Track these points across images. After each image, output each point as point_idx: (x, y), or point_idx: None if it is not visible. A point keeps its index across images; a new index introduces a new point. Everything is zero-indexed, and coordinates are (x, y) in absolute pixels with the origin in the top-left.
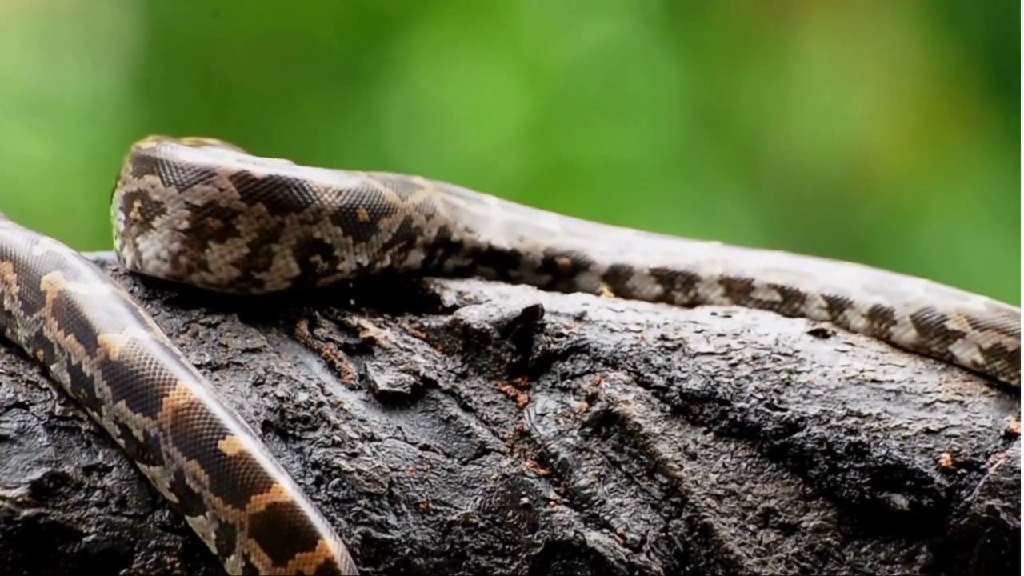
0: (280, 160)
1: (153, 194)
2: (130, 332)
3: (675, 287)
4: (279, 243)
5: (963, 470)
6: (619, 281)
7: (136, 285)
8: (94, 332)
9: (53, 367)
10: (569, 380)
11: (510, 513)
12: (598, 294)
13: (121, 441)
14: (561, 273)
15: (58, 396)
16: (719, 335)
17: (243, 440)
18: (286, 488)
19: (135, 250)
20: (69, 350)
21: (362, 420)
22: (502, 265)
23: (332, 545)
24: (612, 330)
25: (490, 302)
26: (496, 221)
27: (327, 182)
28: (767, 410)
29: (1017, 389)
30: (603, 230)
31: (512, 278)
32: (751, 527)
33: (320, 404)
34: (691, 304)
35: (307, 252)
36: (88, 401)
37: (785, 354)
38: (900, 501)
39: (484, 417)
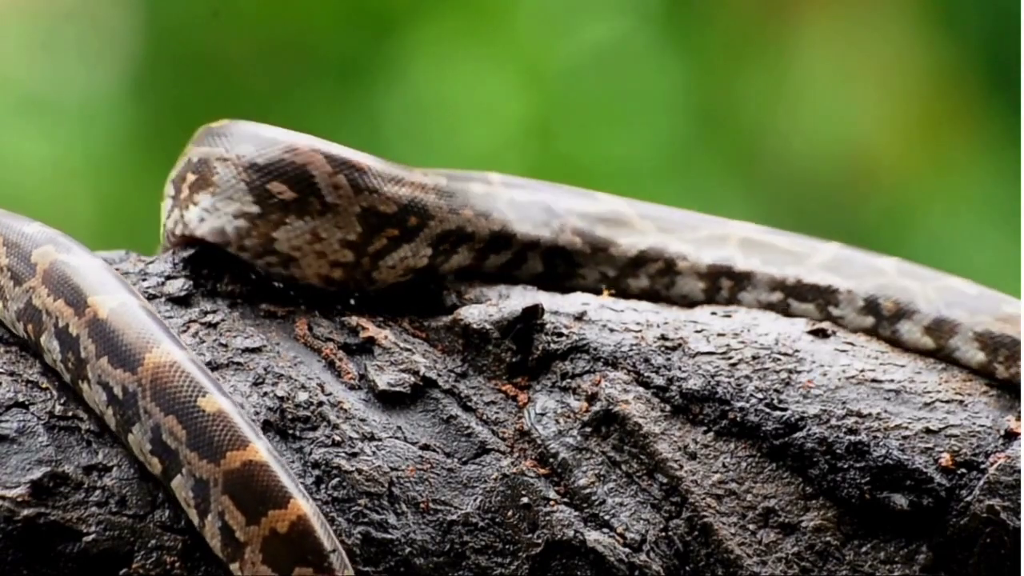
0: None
1: None
2: (120, 297)
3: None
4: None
5: (963, 470)
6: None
7: (139, 282)
8: (84, 295)
9: (43, 338)
10: (569, 380)
11: (510, 513)
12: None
13: (108, 412)
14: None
15: (58, 396)
16: (719, 335)
17: (222, 400)
18: (262, 450)
19: None
20: (57, 314)
21: (362, 420)
22: None
23: (304, 504)
24: (612, 330)
25: (490, 302)
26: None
27: None
28: (767, 410)
29: (1017, 388)
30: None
31: None
32: (751, 527)
33: (320, 404)
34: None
35: None
36: (75, 369)
37: (785, 354)
38: (900, 501)
39: (484, 417)
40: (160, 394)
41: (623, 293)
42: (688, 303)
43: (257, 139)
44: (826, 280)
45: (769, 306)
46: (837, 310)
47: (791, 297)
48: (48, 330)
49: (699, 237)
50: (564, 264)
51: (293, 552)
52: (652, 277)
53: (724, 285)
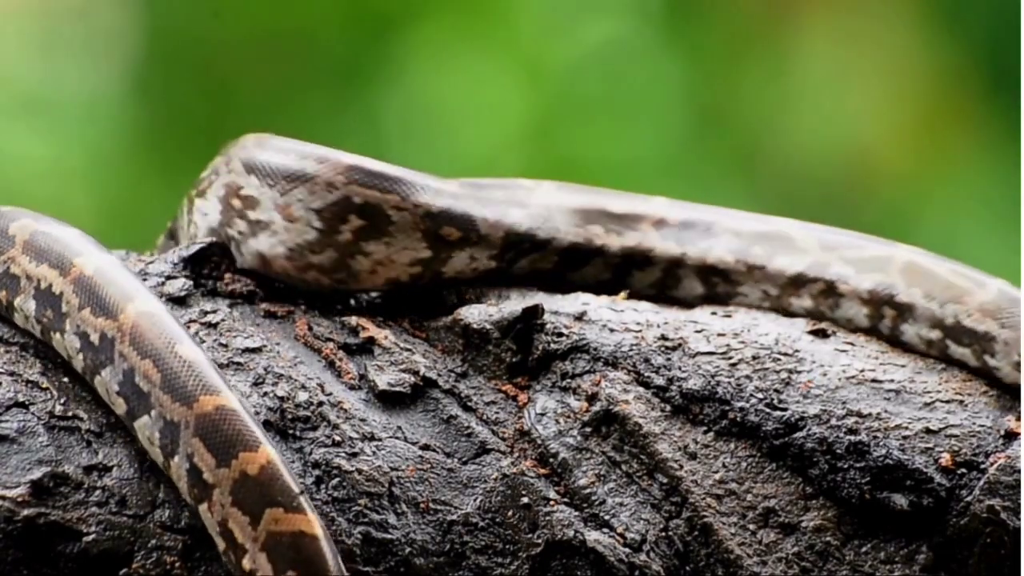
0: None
1: None
2: (107, 258)
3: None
4: None
5: (963, 470)
6: None
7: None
8: (69, 256)
9: (17, 300)
10: (569, 380)
11: (510, 513)
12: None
13: (79, 357)
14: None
15: (58, 396)
16: (719, 335)
17: (196, 351)
18: (234, 399)
19: None
20: (39, 277)
21: (362, 420)
22: None
23: (272, 451)
24: (612, 330)
25: (490, 302)
26: None
27: None
28: (767, 410)
29: (1017, 388)
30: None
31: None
32: (751, 527)
33: (320, 404)
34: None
35: None
36: (50, 323)
37: (785, 354)
38: (900, 501)
39: (484, 417)
40: (139, 340)
41: (787, 313)
42: (853, 328)
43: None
44: (983, 327)
45: (928, 344)
46: (993, 360)
47: (949, 338)
48: (25, 292)
49: (862, 257)
50: (723, 283)
51: (264, 493)
52: (815, 298)
53: (887, 314)
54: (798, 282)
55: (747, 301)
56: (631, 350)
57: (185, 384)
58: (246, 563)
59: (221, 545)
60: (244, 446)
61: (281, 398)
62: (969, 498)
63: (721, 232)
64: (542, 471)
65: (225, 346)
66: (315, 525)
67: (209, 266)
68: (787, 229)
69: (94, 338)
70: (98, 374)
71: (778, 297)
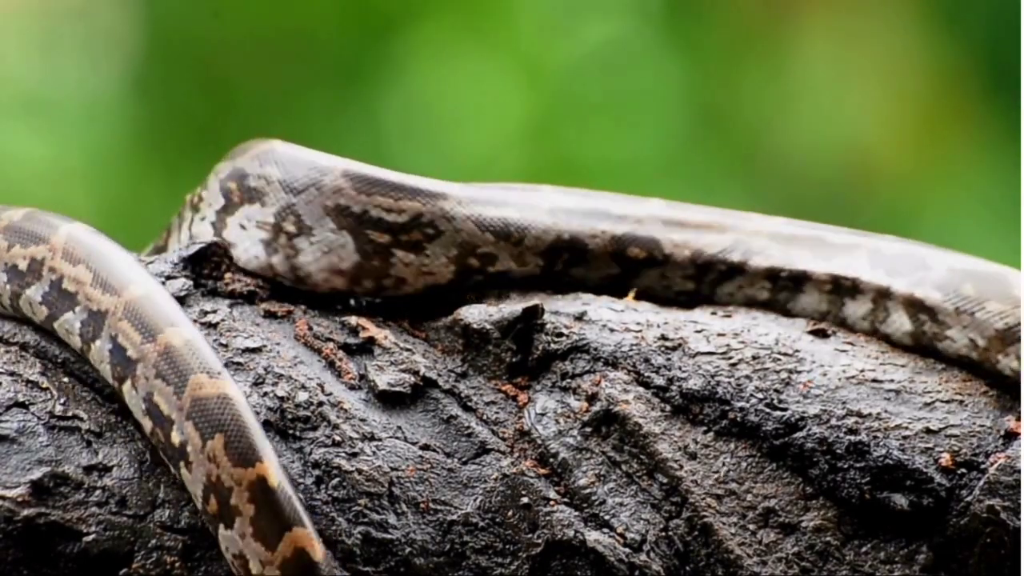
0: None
1: None
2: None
3: None
4: None
5: (963, 470)
6: None
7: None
8: (49, 230)
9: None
10: (569, 380)
11: (510, 513)
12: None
13: (7, 288)
14: None
15: (58, 396)
16: (719, 335)
17: (129, 256)
18: (159, 287)
19: None
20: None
21: (362, 420)
22: None
23: (196, 331)
24: (612, 330)
25: (490, 302)
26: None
27: None
28: (767, 410)
29: (1017, 387)
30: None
31: None
32: (751, 527)
33: (320, 404)
34: None
35: None
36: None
37: (785, 354)
38: (900, 501)
39: (484, 417)
40: (70, 253)
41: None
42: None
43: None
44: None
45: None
46: None
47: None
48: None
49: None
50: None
51: (188, 363)
52: None
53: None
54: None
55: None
56: (631, 350)
57: (112, 280)
58: (174, 436)
59: (148, 425)
60: (170, 323)
61: (281, 398)
62: (969, 498)
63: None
64: (542, 471)
65: (225, 346)
66: (238, 391)
67: (209, 266)
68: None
69: (23, 265)
70: (27, 288)
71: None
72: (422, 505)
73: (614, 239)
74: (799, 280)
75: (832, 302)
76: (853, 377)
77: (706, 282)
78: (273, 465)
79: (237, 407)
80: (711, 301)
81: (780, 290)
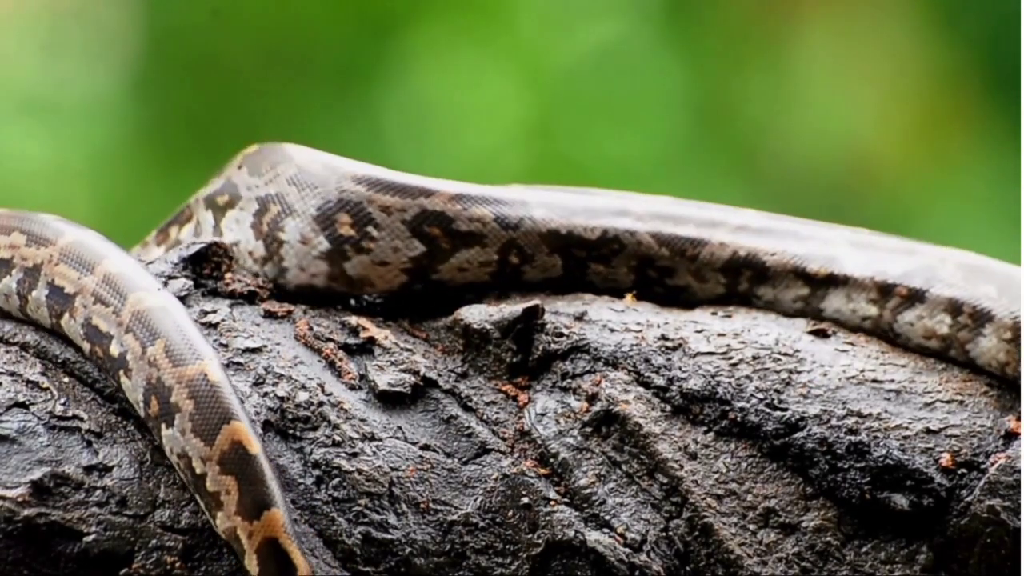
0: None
1: None
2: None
3: None
4: None
5: (963, 470)
6: None
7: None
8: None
9: None
10: (569, 380)
11: (510, 513)
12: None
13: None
14: None
15: (58, 396)
16: (719, 335)
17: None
18: (96, 236)
19: None
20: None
21: (362, 420)
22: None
23: (135, 260)
24: (612, 330)
25: (490, 302)
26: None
27: None
28: (767, 410)
29: (1017, 387)
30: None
31: None
32: (751, 527)
33: (320, 404)
34: None
35: None
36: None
37: (785, 354)
38: (900, 501)
39: (484, 417)
40: (3, 227)
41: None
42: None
43: None
44: None
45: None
46: None
47: None
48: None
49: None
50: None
51: (125, 284)
52: None
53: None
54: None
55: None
56: (631, 350)
57: (45, 234)
58: (113, 349)
59: (87, 347)
60: (106, 256)
61: (281, 398)
62: (969, 498)
63: None
64: (542, 471)
65: (225, 346)
66: (178, 303)
67: (209, 266)
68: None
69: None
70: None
71: None
72: (422, 505)
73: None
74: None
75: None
76: (853, 377)
77: (887, 309)
78: (214, 363)
79: (177, 315)
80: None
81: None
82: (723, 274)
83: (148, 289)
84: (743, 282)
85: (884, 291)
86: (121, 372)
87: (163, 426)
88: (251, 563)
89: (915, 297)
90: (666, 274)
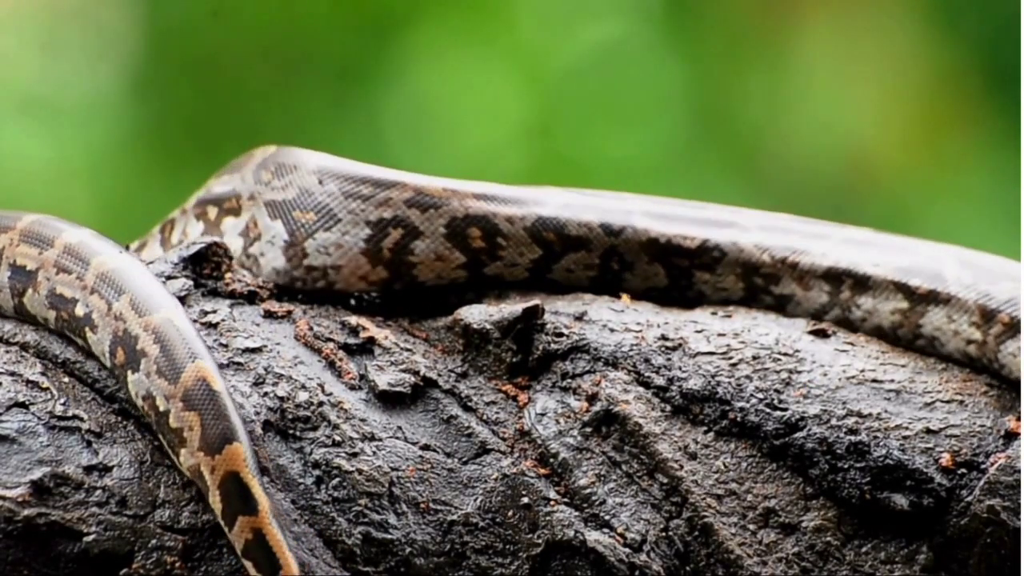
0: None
1: None
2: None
3: None
4: None
5: (963, 470)
6: None
7: None
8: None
9: None
10: (569, 380)
11: (510, 513)
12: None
13: None
14: None
15: (58, 396)
16: (719, 335)
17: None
18: (54, 220)
19: None
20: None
21: (362, 420)
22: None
23: (91, 231)
24: (612, 330)
25: (490, 302)
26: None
27: None
28: (767, 410)
29: (1018, 387)
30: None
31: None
32: (751, 527)
33: (320, 404)
34: None
35: None
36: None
37: (785, 354)
38: (900, 501)
39: (484, 417)
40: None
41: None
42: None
43: None
44: None
45: None
46: None
47: None
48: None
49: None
50: None
51: (87, 252)
52: None
53: None
54: None
55: None
56: (631, 350)
57: (4, 222)
58: (78, 310)
59: (52, 315)
60: (64, 231)
61: (281, 398)
62: (969, 498)
63: None
64: (542, 471)
65: (225, 346)
66: (142, 264)
67: (209, 266)
68: None
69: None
70: None
71: None
72: (422, 505)
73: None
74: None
75: None
76: (853, 377)
77: (991, 336)
78: (179, 311)
79: (141, 272)
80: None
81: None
82: (826, 281)
83: (110, 253)
84: (845, 290)
85: (987, 316)
86: (87, 329)
87: (129, 372)
88: (214, 500)
89: (1017, 327)
90: (772, 281)
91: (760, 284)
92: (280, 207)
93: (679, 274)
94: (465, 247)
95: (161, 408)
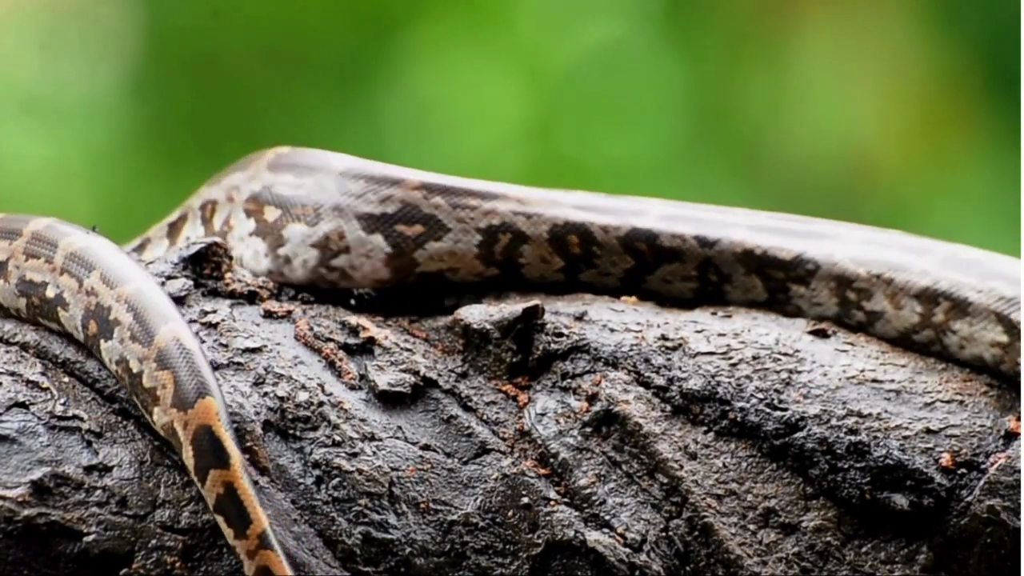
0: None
1: None
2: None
3: None
4: None
5: (963, 470)
6: None
7: None
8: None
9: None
10: (569, 380)
11: (510, 513)
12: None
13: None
14: None
15: (58, 396)
16: (719, 335)
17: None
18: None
19: None
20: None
21: (362, 420)
22: None
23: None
24: (612, 330)
25: (490, 302)
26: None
27: None
28: (767, 410)
29: (1017, 386)
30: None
31: None
32: (751, 527)
33: (320, 404)
34: None
35: None
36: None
37: (785, 354)
38: (900, 501)
39: (484, 417)
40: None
41: None
42: None
43: None
44: None
45: None
46: None
47: None
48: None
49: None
50: None
51: (54, 236)
52: None
53: None
54: None
55: None
56: (631, 350)
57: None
58: (49, 292)
59: (22, 302)
60: (30, 221)
61: (281, 398)
62: (969, 498)
63: None
64: (542, 471)
65: (225, 346)
66: (110, 243)
67: (209, 266)
68: None
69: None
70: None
71: None
72: (422, 505)
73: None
74: None
75: None
76: (853, 377)
77: None
78: (151, 281)
79: (110, 249)
80: None
81: None
82: (919, 302)
83: (77, 235)
84: (939, 313)
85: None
86: (58, 309)
87: (102, 341)
88: (187, 455)
89: None
90: (864, 296)
91: (852, 299)
92: (379, 221)
93: (776, 287)
94: (564, 253)
95: (135, 370)
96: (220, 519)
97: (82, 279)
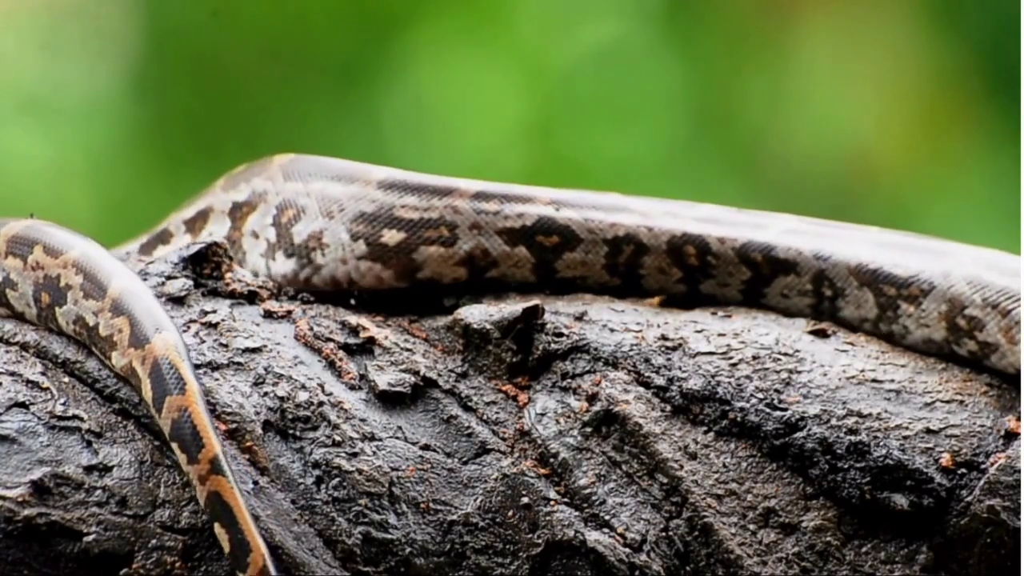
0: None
1: None
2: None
3: None
4: None
5: (963, 470)
6: None
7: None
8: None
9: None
10: (569, 380)
11: (510, 513)
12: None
13: None
14: None
15: (58, 396)
16: (719, 335)
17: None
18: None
19: None
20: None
21: (362, 420)
22: None
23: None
24: (612, 330)
25: (490, 302)
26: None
27: None
28: (767, 410)
29: (1018, 386)
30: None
31: None
32: (751, 527)
33: (320, 404)
34: None
35: None
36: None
37: (785, 354)
38: (900, 501)
39: (484, 417)
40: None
41: None
42: None
43: None
44: None
45: None
46: None
47: None
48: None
49: None
50: None
51: (35, 235)
52: None
53: None
54: None
55: None
56: (631, 350)
57: None
58: (21, 287)
59: None
60: (8, 224)
61: (281, 398)
62: (969, 498)
63: None
64: (542, 471)
65: (225, 346)
66: (54, 227)
67: (209, 266)
68: None
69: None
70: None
71: None
72: (422, 505)
73: None
74: None
75: None
76: (853, 377)
77: None
78: (93, 245)
79: (47, 227)
80: None
81: None
82: None
83: (14, 223)
84: None
85: None
86: (7, 291)
87: (56, 309)
88: (146, 389)
89: None
90: (976, 326)
91: (963, 327)
92: (519, 234)
93: (886, 304)
94: (682, 264)
95: (91, 323)
96: (175, 445)
97: (26, 256)
